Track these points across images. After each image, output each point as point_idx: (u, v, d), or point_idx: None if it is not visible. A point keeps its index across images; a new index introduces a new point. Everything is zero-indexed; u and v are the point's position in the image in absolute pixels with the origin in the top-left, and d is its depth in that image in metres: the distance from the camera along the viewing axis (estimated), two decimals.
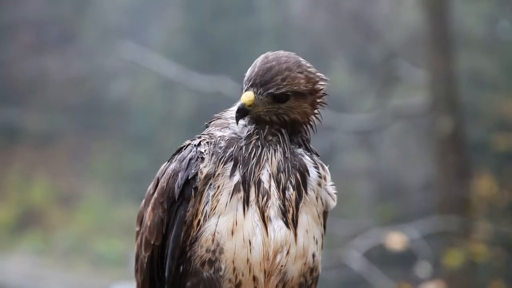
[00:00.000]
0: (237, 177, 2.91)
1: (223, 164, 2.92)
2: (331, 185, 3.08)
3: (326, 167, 3.09)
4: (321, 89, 3.10)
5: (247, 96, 2.97)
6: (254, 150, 2.95)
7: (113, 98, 22.17)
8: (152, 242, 3.02)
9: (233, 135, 2.98)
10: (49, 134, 22.60)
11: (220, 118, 3.09)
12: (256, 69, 2.99)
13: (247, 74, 3.00)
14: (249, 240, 2.88)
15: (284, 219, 2.91)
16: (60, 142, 22.75)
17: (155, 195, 3.03)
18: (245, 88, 2.98)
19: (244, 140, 2.96)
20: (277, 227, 2.90)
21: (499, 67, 15.33)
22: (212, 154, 2.94)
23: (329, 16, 18.11)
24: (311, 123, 3.13)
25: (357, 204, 15.92)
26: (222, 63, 16.61)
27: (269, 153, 2.96)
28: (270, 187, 2.92)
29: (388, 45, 14.75)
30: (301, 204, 2.95)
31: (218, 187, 2.91)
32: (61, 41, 22.75)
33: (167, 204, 2.97)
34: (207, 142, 2.98)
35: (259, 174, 2.92)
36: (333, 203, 3.08)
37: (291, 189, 2.94)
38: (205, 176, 2.93)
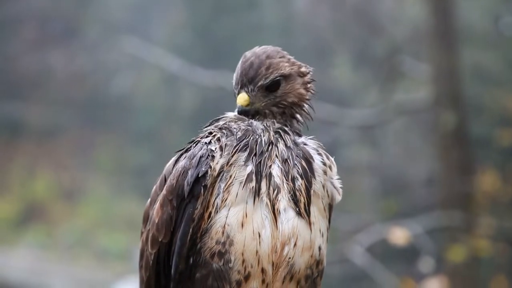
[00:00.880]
0: (250, 167, 2.92)
1: (238, 152, 2.94)
2: (337, 178, 3.10)
3: (332, 158, 3.10)
4: (308, 72, 3.13)
5: (241, 98, 3.05)
6: (267, 144, 2.97)
7: (116, 92, 22.18)
8: (160, 239, 3.02)
9: (249, 127, 3.00)
10: (52, 129, 22.63)
11: (219, 120, 3.11)
12: (239, 71, 3.07)
13: (234, 79, 3.09)
14: (258, 232, 2.89)
15: (297, 209, 2.93)
16: (63, 137, 22.78)
17: (164, 191, 3.02)
18: (237, 92, 3.07)
19: (258, 133, 2.98)
20: (285, 219, 2.92)
21: (503, 62, 15.32)
22: (225, 145, 2.96)
23: (332, 11, 18.10)
24: (306, 109, 3.14)
25: (360, 199, 15.93)
26: (225, 58, 16.60)
27: (277, 146, 2.98)
28: (282, 181, 2.94)
29: (392, 40, 14.73)
30: (312, 192, 2.97)
31: (230, 177, 2.92)
32: (65, 36, 22.77)
33: (176, 201, 2.96)
34: (218, 139, 2.99)
35: (270, 168, 2.94)
36: (338, 197, 3.09)
37: (299, 178, 2.96)
38: (217, 170, 2.93)
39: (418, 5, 13.56)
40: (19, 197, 21.68)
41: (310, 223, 2.95)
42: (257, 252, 2.89)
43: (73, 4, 22.88)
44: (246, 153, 2.93)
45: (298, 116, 3.11)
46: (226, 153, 2.94)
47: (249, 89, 3.05)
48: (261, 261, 2.90)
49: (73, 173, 22.35)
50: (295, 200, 2.93)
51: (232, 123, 3.03)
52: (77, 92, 22.54)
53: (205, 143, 2.98)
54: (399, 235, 9.50)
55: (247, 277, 2.91)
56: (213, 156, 2.94)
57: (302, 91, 3.11)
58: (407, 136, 16.83)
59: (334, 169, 3.09)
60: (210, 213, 2.92)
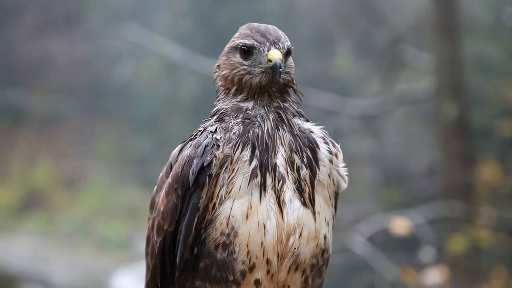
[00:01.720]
0: (254, 162, 2.90)
1: (239, 150, 2.92)
2: (343, 166, 3.08)
3: (338, 145, 3.09)
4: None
5: (277, 53, 2.95)
6: (270, 133, 2.94)
7: (117, 80, 22.17)
8: (165, 228, 3.01)
9: (246, 120, 2.97)
10: (53, 116, 22.62)
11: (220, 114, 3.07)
12: (260, 32, 3.01)
13: (252, 39, 3.00)
14: (263, 223, 2.88)
15: (302, 199, 2.92)
16: (64, 124, 22.77)
17: (169, 180, 3.01)
18: (265, 49, 2.97)
19: (258, 123, 2.95)
20: (290, 210, 2.91)
21: (505, 53, 15.29)
22: (227, 140, 2.94)
23: (334, 0, 18.05)
24: (298, 91, 3.10)
25: (362, 189, 15.93)
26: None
27: (280, 134, 2.95)
28: (286, 171, 2.92)
29: (394, 29, 14.69)
30: (316, 181, 2.96)
31: (233, 170, 2.90)
32: (66, 23, 22.74)
33: (181, 190, 2.95)
34: (223, 128, 2.97)
35: (275, 159, 2.92)
36: (344, 185, 3.08)
37: (304, 168, 2.95)
38: (221, 160, 2.92)
39: None
40: (20, 184, 21.70)
41: (315, 213, 2.94)
42: (262, 243, 2.88)
43: None
44: (249, 150, 2.92)
45: (293, 97, 3.06)
46: (228, 147, 2.92)
47: (279, 46, 2.99)
48: (266, 252, 2.89)
49: (73, 161, 22.36)
50: (299, 190, 2.92)
51: (232, 119, 2.99)
52: (78, 79, 22.52)
53: (211, 131, 2.96)
54: (400, 225, 9.50)
55: (252, 268, 2.91)
56: (218, 145, 2.92)
57: (293, 68, 3.08)
58: (408, 126, 16.81)
59: (340, 156, 3.07)
60: (215, 204, 2.91)
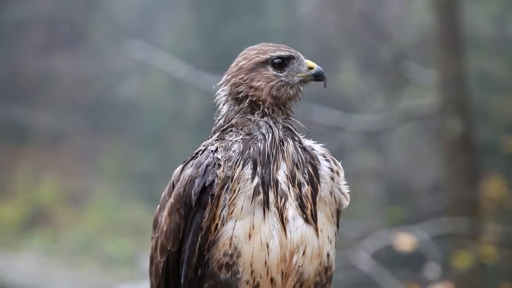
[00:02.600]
0: (256, 179, 2.90)
1: (240, 167, 2.91)
2: (345, 184, 3.08)
3: (339, 163, 3.09)
4: None
5: (312, 62, 3.14)
6: (275, 143, 2.94)
7: (122, 97, 22.19)
8: (168, 248, 3.02)
9: (247, 137, 2.97)
10: (58, 133, 22.64)
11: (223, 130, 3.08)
12: (288, 48, 3.13)
13: (288, 50, 3.11)
14: (266, 243, 2.88)
15: (304, 216, 2.92)
16: (69, 141, 22.78)
17: (172, 200, 3.01)
18: (302, 59, 3.11)
19: (259, 138, 2.95)
20: (294, 227, 2.90)
21: (509, 69, 15.29)
22: (228, 159, 2.92)
23: (339, 16, 18.09)
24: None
25: (366, 205, 15.90)
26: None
27: (285, 147, 2.95)
28: (288, 187, 2.92)
29: (398, 46, 14.71)
30: (317, 198, 2.95)
31: (235, 191, 2.90)
32: (71, 40, 22.79)
33: (184, 210, 2.96)
34: (224, 147, 2.96)
35: (277, 174, 2.91)
36: (346, 202, 3.09)
37: (305, 184, 2.95)
38: (222, 180, 2.91)
39: (425, 11, 13.55)
40: (25, 201, 21.68)
41: (317, 230, 2.94)
42: (266, 262, 2.89)
43: (80, 9, 22.90)
44: (250, 167, 2.91)
45: (293, 113, 3.13)
46: (228, 166, 2.92)
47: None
48: (270, 271, 2.89)
49: (78, 178, 22.34)
50: (301, 207, 2.92)
51: (233, 135, 2.99)
52: (83, 96, 22.55)
53: (211, 151, 2.97)
54: (405, 242, 9.48)
55: (256, 287, 2.90)
56: (219, 165, 2.92)
57: None
58: (413, 142, 16.79)
59: (342, 174, 3.08)
60: (217, 225, 2.92)
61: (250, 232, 2.87)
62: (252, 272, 2.87)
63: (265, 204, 2.87)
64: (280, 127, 2.99)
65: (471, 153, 11.02)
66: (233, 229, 2.88)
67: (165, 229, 3.02)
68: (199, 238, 2.92)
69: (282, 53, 3.06)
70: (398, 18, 17.06)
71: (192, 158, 3.02)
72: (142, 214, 19.76)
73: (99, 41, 22.63)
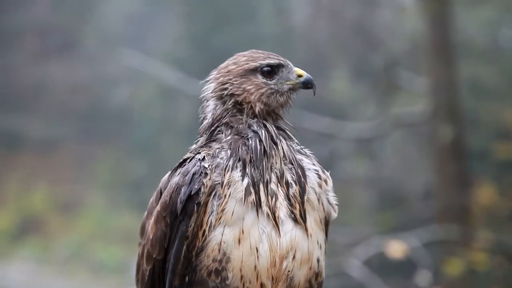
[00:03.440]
0: (246, 180, 2.90)
1: (229, 172, 2.91)
2: (333, 195, 3.08)
3: (327, 172, 3.09)
4: None
5: (301, 70, 3.14)
6: (267, 145, 2.95)
7: (114, 105, 22.17)
8: (154, 256, 3.01)
9: (236, 137, 2.97)
10: (50, 141, 22.60)
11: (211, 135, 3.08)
12: (277, 56, 3.13)
13: (277, 58, 3.11)
14: (256, 247, 2.87)
15: (293, 216, 2.92)
16: (61, 149, 22.74)
17: (158, 208, 3.01)
18: (291, 67, 3.11)
19: (252, 134, 2.95)
20: (283, 232, 2.90)
21: (500, 75, 15.33)
22: (216, 165, 2.93)
23: (330, 24, 18.12)
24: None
25: (358, 212, 15.90)
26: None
27: (279, 147, 2.96)
28: (277, 186, 2.92)
29: (390, 53, 14.73)
30: (305, 198, 2.95)
31: (225, 196, 2.90)
32: (64, 48, 22.78)
33: (170, 218, 2.95)
34: (211, 155, 2.96)
35: (267, 173, 2.92)
36: (334, 214, 3.08)
37: (294, 184, 2.95)
38: (210, 188, 2.91)
39: (416, 18, 13.58)
40: (16, 210, 21.62)
41: (307, 231, 2.93)
42: (255, 267, 2.87)
43: (72, 17, 22.89)
44: (239, 169, 2.91)
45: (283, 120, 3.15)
46: (217, 173, 2.92)
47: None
48: (260, 276, 2.88)
49: (70, 186, 22.30)
50: (290, 206, 2.92)
51: (222, 137, 2.99)
52: (75, 104, 22.53)
53: (199, 159, 2.96)
54: (396, 248, 9.49)
55: None
56: (206, 173, 2.91)
57: None
58: (404, 149, 16.82)
59: (330, 183, 3.07)
60: (205, 231, 2.90)
61: (239, 236, 2.86)
62: (241, 277, 2.86)
63: (258, 204, 2.87)
64: (273, 127, 3.01)
65: (462, 160, 11.05)
66: (222, 234, 2.87)
67: (151, 237, 3.02)
68: (185, 246, 2.91)
69: (272, 61, 3.06)
70: (390, 26, 17.10)
71: (180, 165, 3.02)
72: (133, 222, 19.72)
73: (91, 49, 22.62)
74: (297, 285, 2.94)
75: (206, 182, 2.90)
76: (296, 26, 20.79)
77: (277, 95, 3.06)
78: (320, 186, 3.02)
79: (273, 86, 3.06)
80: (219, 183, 2.90)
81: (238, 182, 2.90)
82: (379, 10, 16.95)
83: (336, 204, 3.09)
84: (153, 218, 3.03)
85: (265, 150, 2.93)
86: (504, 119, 14.02)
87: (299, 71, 3.09)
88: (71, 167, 22.58)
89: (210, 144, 3.00)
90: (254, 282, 2.88)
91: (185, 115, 21.26)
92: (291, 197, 2.92)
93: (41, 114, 22.38)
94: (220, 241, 2.87)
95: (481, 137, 13.99)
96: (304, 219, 2.93)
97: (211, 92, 3.16)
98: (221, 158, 2.93)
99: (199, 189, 2.90)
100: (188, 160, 3.00)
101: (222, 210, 2.87)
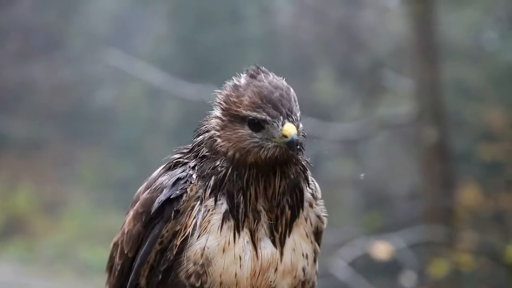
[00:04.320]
0: (224, 205, 2.83)
1: (210, 191, 2.85)
2: (322, 207, 3.03)
3: (318, 186, 3.04)
4: None
5: (293, 128, 2.81)
6: (252, 180, 2.84)
7: (99, 105, 22.11)
8: (125, 252, 2.98)
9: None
10: (34, 141, 22.51)
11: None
12: (273, 103, 2.81)
13: (266, 112, 2.80)
14: (239, 256, 2.82)
15: (272, 238, 2.86)
16: (45, 150, 22.66)
17: (138, 203, 2.97)
18: (279, 124, 2.79)
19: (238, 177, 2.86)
20: (263, 247, 2.86)
21: (485, 77, 15.39)
22: (201, 177, 2.87)
23: (315, 25, 18.13)
24: None
25: (343, 213, 15.92)
26: (209, 71, 16.59)
27: (274, 180, 2.86)
28: (262, 209, 2.85)
29: (374, 54, 14.78)
30: (295, 223, 2.90)
31: (209, 210, 2.84)
32: (47, 49, 22.70)
33: (146, 218, 2.89)
34: (201, 167, 2.88)
35: (252, 201, 2.84)
36: (323, 226, 3.03)
37: (286, 208, 2.88)
38: (192, 197, 2.85)
39: (401, 20, 13.62)
40: (0, 210, 21.53)
41: (282, 253, 2.86)
42: (236, 274, 2.82)
43: (56, 17, 22.81)
44: (222, 193, 2.84)
45: (299, 165, 2.97)
46: (199, 186, 2.85)
47: (293, 119, 2.84)
48: (239, 284, 2.84)
49: (55, 186, 22.23)
50: (271, 230, 2.86)
51: (206, 164, 2.90)
52: (59, 104, 22.45)
53: (190, 166, 2.91)
54: (381, 250, 9.50)
55: None
56: (191, 182, 2.86)
57: None
58: (389, 150, 16.86)
59: (319, 196, 3.03)
60: (188, 233, 2.84)
61: (224, 246, 2.81)
62: (221, 283, 2.81)
63: (236, 228, 2.81)
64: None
65: (447, 161, 11.09)
66: (207, 240, 2.82)
67: (126, 231, 2.98)
68: (154, 250, 2.86)
69: (259, 116, 2.76)
70: (374, 27, 17.14)
71: (175, 165, 2.99)
72: (119, 222, 19.64)
73: (75, 49, 22.55)
74: None
75: (189, 191, 2.84)
76: (281, 27, 20.80)
77: (261, 149, 2.80)
78: (310, 205, 2.97)
79: (258, 140, 2.81)
80: (201, 196, 2.84)
81: (217, 205, 2.83)
82: (364, 11, 16.99)
83: (324, 216, 3.03)
84: (132, 212, 2.99)
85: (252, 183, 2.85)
86: (488, 120, 14.07)
87: (286, 130, 2.78)
88: (55, 167, 22.51)
89: (202, 155, 2.93)
90: None
91: (170, 115, 21.24)
92: (278, 220, 2.85)
93: (25, 114, 22.29)
94: (204, 246, 2.82)
95: (465, 139, 14.04)
96: (282, 243, 2.87)
97: (216, 111, 2.98)
98: (207, 175, 2.86)
99: (181, 195, 2.83)
100: (180, 164, 2.95)
101: (208, 221, 2.82)
